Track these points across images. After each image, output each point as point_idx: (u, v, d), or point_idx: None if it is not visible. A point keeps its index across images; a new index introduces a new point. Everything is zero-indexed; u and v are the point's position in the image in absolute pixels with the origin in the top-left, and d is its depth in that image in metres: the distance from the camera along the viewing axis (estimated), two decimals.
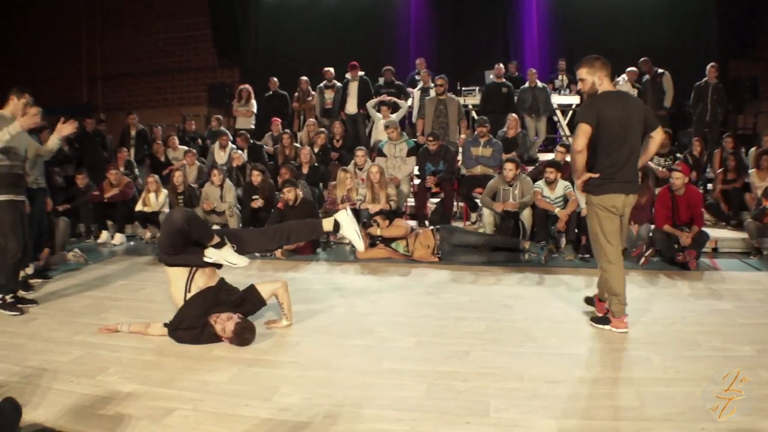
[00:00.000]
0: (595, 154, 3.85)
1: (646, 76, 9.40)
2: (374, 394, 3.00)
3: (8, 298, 4.48)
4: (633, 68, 9.46)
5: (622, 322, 3.91)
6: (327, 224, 4.22)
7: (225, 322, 3.67)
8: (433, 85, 9.08)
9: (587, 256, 6.26)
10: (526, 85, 9.73)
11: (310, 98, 10.52)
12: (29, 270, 5.30)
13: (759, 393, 2.89)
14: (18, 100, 4.51)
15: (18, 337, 3.91)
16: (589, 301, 4.39)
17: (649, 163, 8.04)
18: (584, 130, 3.80)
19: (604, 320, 4.02)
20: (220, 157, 9.04)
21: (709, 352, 3.52)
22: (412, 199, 8.18)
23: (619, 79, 9.45)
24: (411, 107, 9.83)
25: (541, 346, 3.67)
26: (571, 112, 10.58)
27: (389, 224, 6.53)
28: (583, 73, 3.92)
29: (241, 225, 7.50)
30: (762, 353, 3.46)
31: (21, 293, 4.72)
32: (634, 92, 9.35)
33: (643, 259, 5.99)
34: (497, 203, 6.73)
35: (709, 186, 8.27)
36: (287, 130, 9.46)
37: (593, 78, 3.88)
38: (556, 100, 10.31)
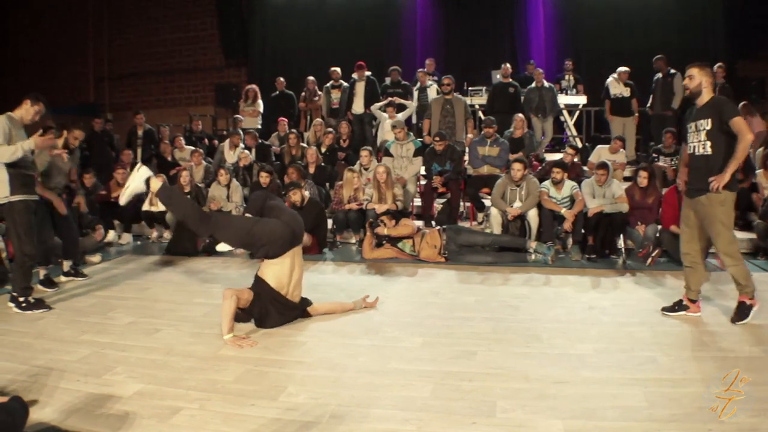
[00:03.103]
0: (729, 152, 3.92)
1: (659, 75, 9.32)
2: (381, 394, 3.00)
3: (30, 299, 4.54)
4: (625, 68, 9.42)
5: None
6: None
7: None
8: (429, 84, 9.13)
9: (594, 256, 6.25)
10: (533, 85, 9.71)
11: (317, 98, 10.53)
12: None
13: (766, 394, 2.88)
14: (31, 106, 4.49)
15: (25, 336, 3.94)
16: (675, 308, 4.36)
17: (657, 162, 8.05)
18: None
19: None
20: (230, 156, 9.04)
21: (717, 353, 3.51)
22: (419, 199, 8.18)
23: (611, 78, 9.44)
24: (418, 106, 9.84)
25: (548, 347, 3.67)
26: (577, 113, 10.58)
27: (396, 224, 6.52)
28: (695, 71, 4.06)
29: None
30: None
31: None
32: (627, 90, 9.35)
33: (650, 260, 5.97)
34: (510, 208, 6.69)
35: None
36: (294, 130, 9.46)
37: (701, 79, 4.03)
38: (563, 100, 10.29)
